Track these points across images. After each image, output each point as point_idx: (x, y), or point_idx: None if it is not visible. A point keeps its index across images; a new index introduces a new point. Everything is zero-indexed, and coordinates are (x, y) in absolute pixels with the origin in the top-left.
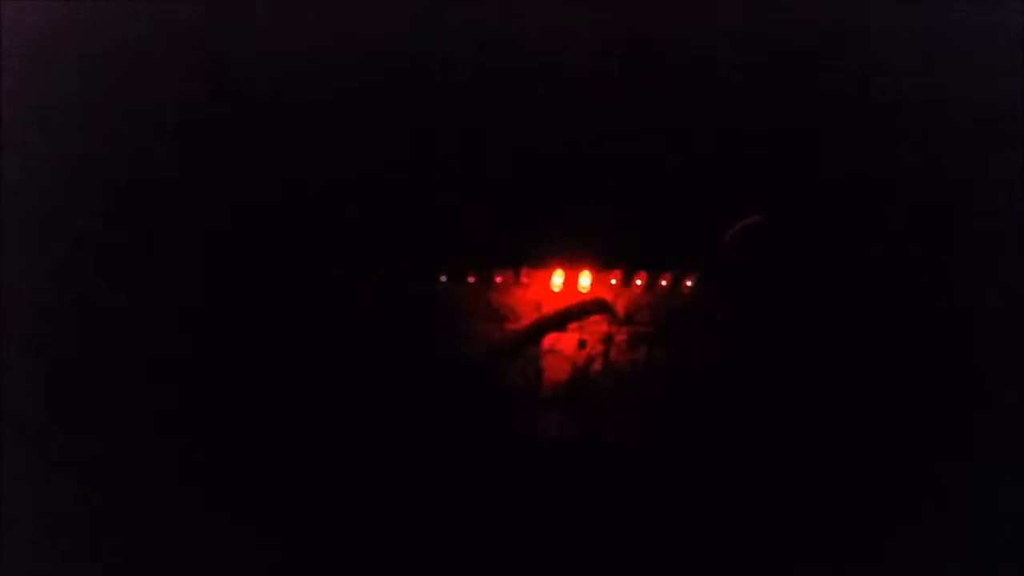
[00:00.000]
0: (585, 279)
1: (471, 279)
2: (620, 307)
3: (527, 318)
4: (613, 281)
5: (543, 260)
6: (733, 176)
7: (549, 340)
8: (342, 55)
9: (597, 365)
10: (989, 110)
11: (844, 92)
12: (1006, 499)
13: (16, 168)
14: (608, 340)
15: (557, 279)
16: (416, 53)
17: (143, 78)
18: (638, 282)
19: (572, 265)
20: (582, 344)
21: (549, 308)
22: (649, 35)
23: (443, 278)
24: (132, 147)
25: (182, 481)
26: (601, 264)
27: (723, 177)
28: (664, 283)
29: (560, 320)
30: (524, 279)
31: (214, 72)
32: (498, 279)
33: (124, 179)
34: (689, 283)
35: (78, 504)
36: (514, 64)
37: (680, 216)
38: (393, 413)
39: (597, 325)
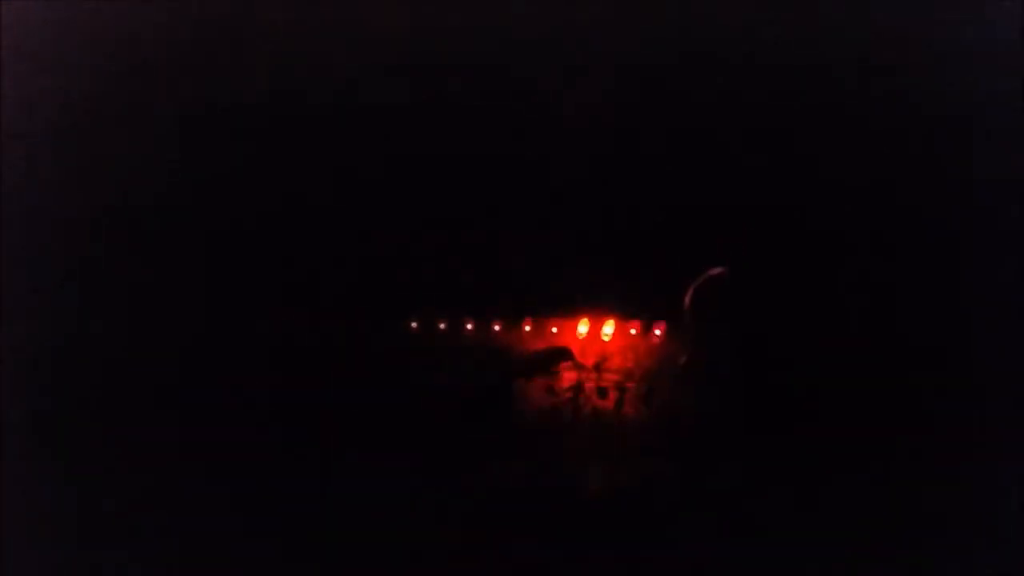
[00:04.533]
0: (584, 327)
1: (443, 325)
2: (589, 354)
3: (494, 364)
4: (582, 328)
5: (519, 309)
6: (702, 221)
7: (516, 386)
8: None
9: (566, 411)
10: (988, 110)
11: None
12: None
13: (16, 168)
14: (577, 387)
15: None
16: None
17: (143, 78)
18: (607, 330)
19: (545, 313)
20: (549, 391)
21: (516, 355)
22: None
23: (414, 324)
24: (131, 147)
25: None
26: (569, 312)
27: (691, 226)
28: (633, 331)
29: (526, 367)
30: (496, 327)
31: (214, 73)
32: (469, 326)
33: (123, 179)
34: (657, 331)
35: (75, 503)
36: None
37: (647, 264)
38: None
39: (565, 372)
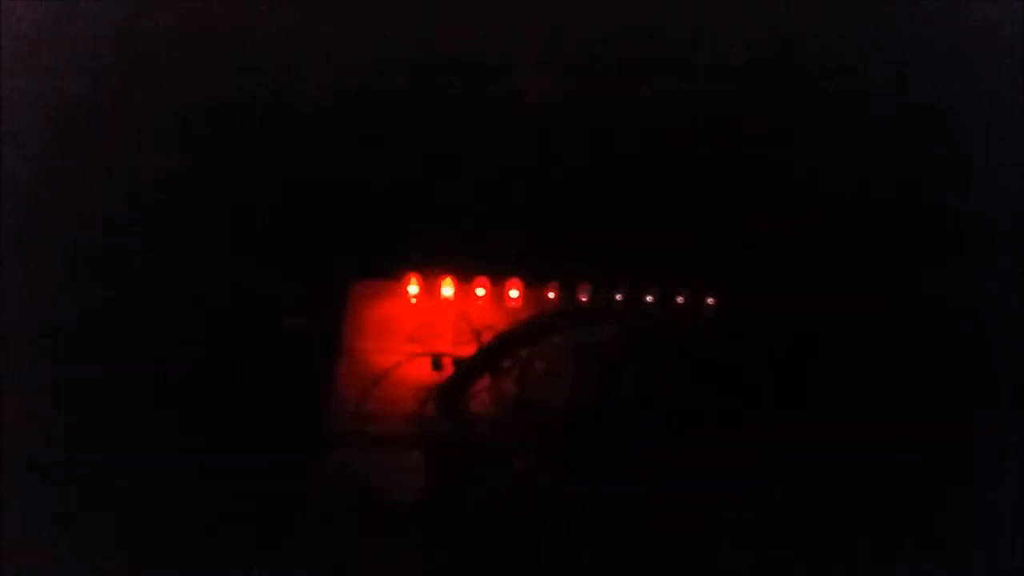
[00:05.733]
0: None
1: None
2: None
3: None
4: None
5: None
6: (728, 186)
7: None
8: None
9: (573, 383)
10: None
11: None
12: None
13: (16, 168)
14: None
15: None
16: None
17: (143, 78)
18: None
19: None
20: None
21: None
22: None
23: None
24: (131, 148)
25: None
26: (584, 277)
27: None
28: (649, 299)
29: (527, 334)
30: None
31: (215, 73)
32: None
33: (123, 180)
34: (680, 299)
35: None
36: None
37: (674, 229)
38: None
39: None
